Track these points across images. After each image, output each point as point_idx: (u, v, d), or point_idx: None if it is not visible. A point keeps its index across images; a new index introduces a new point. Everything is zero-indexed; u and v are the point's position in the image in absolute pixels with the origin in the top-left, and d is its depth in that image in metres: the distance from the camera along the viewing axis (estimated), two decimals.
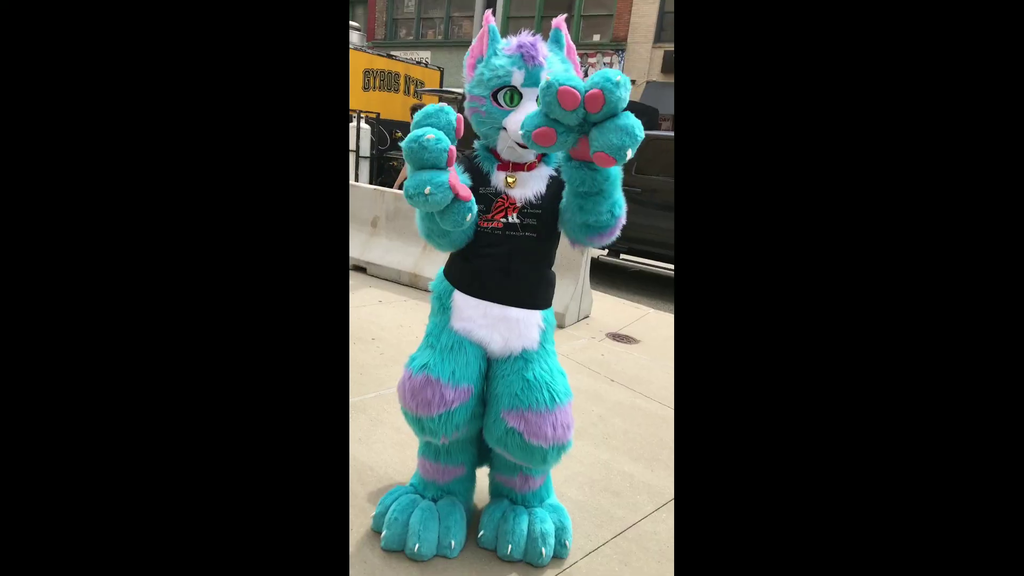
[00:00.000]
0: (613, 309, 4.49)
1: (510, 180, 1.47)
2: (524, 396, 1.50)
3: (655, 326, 4.20)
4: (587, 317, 4.18)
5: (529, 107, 1.36)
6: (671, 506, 2.00)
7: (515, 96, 1.39)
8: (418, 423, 1.52)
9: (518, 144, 1.40)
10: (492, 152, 1.49)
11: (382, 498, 1.71)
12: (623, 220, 1.40)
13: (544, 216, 1.47)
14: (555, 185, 1.48)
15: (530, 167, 1.48)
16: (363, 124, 7.55)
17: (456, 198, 1.30)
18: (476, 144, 1.54)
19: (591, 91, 1.11)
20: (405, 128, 8.08)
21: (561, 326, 3.86)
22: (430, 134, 1.23)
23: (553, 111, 1.15)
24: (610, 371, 3.19)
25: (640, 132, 1.13)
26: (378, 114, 7.95)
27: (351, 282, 4.51)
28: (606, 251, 6.18)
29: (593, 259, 5.96)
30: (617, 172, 1.33)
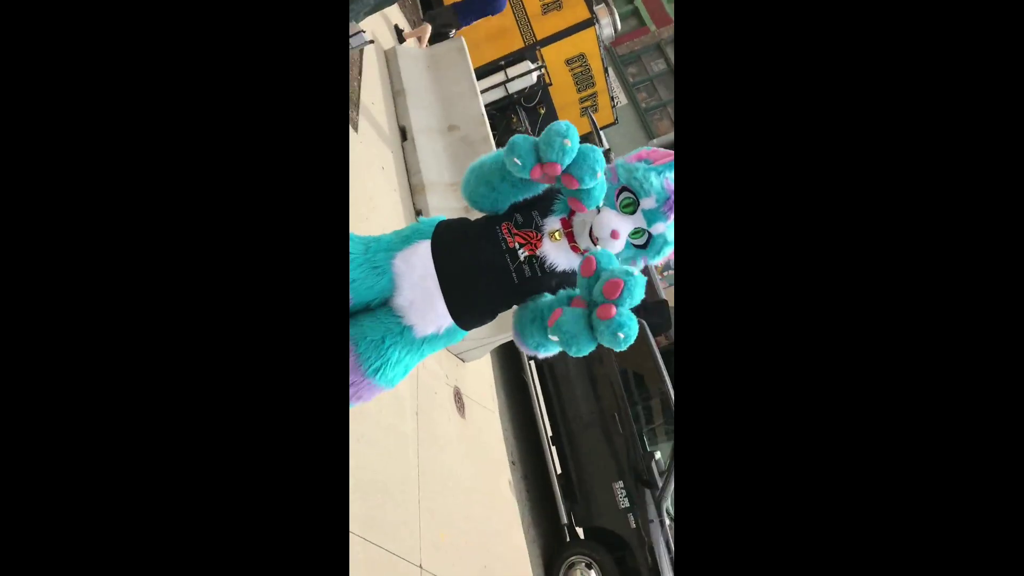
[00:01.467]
0: (482, 381, 4.54)
1: (556, 235, 1.48)
2: (366, 344, 1.47)
3: (485, 426, 4.25)
4: (463, 361, 4.21)
5: (628, 224, 1.41)
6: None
7: (630, 208, 1.41)
8: None
9: (590, 231, 1.42)
10: (571, 205, 1.50)
11: None
12: (539, 357, 1.48)
13: (536, 282, 1.47)
14: (564, 277, 1.50)
15: (575, 248, 1.49)
16: (534, 75, 7.58)
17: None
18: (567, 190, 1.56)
19: (613, 279, 1.21)
20: (551, 110, 8.14)
21: None
22: (516, 160, 1.29)
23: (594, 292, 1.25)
24: (423, 409, 3.21)
25: (628, 335, 1.24)
26: (551, 84, 8.01)
27: (382, 124, 4.45)
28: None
29: None
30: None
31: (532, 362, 6.26)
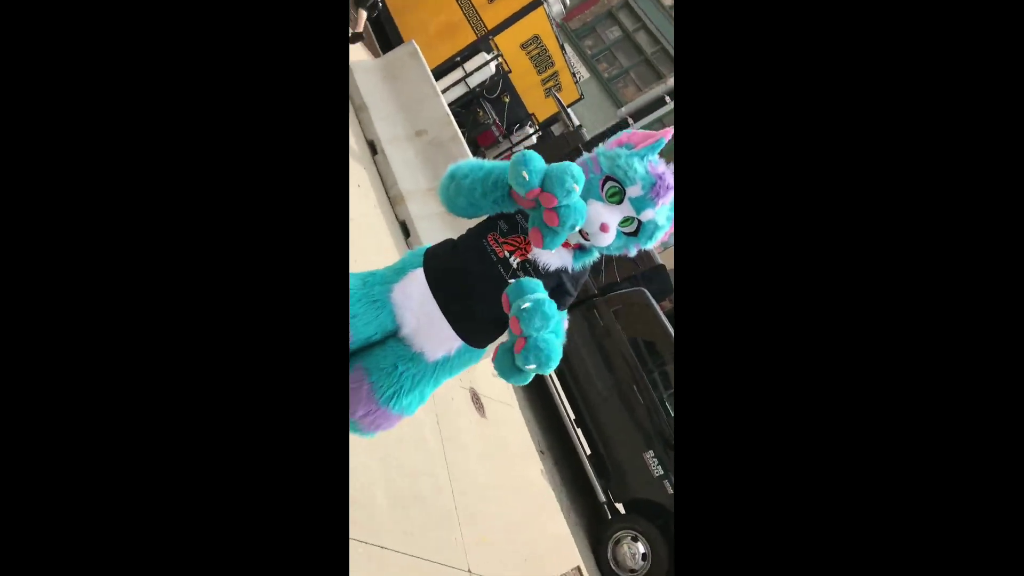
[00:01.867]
0: (496, 378, 4.52)
1: None
2: (378, 373, 1.46)
3: (507, 422, 4.25)
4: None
5: (616, 214, 1.37)
6: (373, 550, 2.00)
7: (616, 197, 1.37)
8: None
9: (579, 229, 1.37)
10: (531, 237, 1.44)
11: None
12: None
13: None
14: (559, 276, 1.46)
15: (565, 244, 1.45)
16: (492, 65, 7.53)
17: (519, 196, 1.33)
18: None
19: (511, 319, 1.26)
20: (515, 98, 8.09)
21: None
22: (526, 174, 1.27)
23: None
24: (442, 415, 3.21)
25: (545, 363, 1.26)
26: (510, 71, 7.96)
27: (351, 141, 4.42)
28: None
29: None
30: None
31: None
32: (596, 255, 1.52)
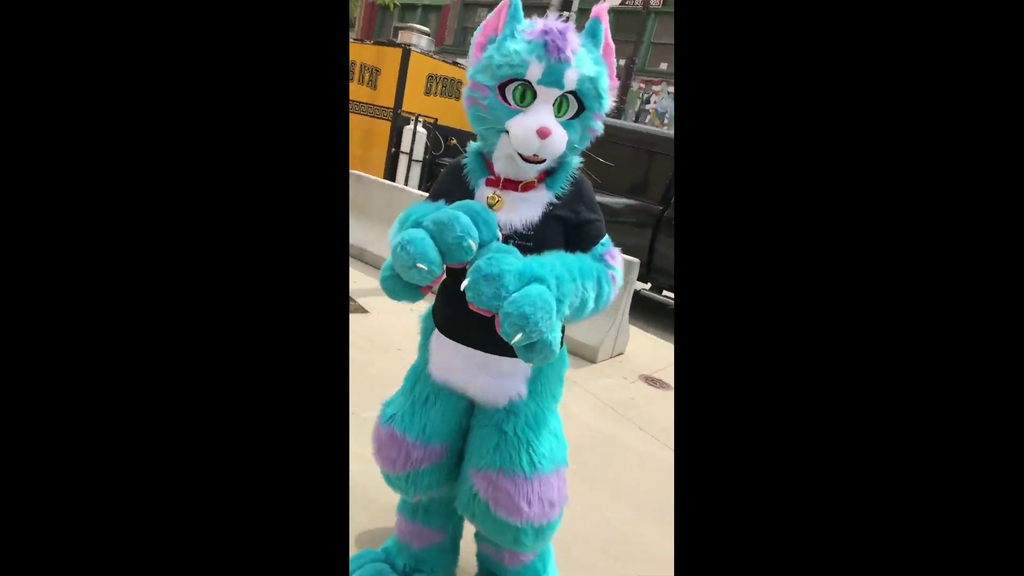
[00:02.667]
0: (649, 349, 4.29)
1: (494, 198, 1.18)
2: (496, 454, 1.23)
3: None
4: (621, 354, 4.00)
5: (543, 110, 1.10)
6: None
7: (528, 94, 1.10)
8: (385, 478, 1.36)
9: (519, 155, 1.13)
10: (486, 160, 1.22)
11: (351, 560, 1.51)
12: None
13: (534, 251, 1.14)
14: (554, 215, 1.19)
15: (525, 187, 1.19)
16: (420, 128, 7.57)
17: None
18: (470, 146, 1.27)
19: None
20: (460, 135, 8.07)
21: (593, 361, 3.69)
22: (421, 264, 1.06)
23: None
24: (639, 417, 3.01)
25: (527, 324, 0.99)
26: (435, 119, 7.97)
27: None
28: (648, 285, 5.97)
29: (635, 292, 5.76)
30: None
31: (659, 292, 5.97)
32: (573, 162, 1.24)
